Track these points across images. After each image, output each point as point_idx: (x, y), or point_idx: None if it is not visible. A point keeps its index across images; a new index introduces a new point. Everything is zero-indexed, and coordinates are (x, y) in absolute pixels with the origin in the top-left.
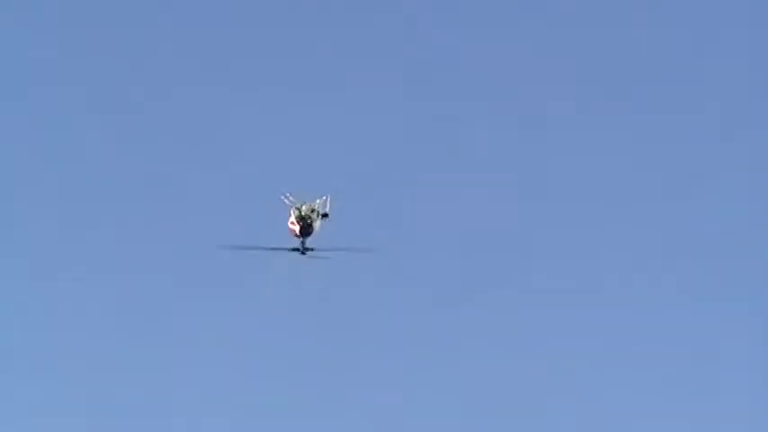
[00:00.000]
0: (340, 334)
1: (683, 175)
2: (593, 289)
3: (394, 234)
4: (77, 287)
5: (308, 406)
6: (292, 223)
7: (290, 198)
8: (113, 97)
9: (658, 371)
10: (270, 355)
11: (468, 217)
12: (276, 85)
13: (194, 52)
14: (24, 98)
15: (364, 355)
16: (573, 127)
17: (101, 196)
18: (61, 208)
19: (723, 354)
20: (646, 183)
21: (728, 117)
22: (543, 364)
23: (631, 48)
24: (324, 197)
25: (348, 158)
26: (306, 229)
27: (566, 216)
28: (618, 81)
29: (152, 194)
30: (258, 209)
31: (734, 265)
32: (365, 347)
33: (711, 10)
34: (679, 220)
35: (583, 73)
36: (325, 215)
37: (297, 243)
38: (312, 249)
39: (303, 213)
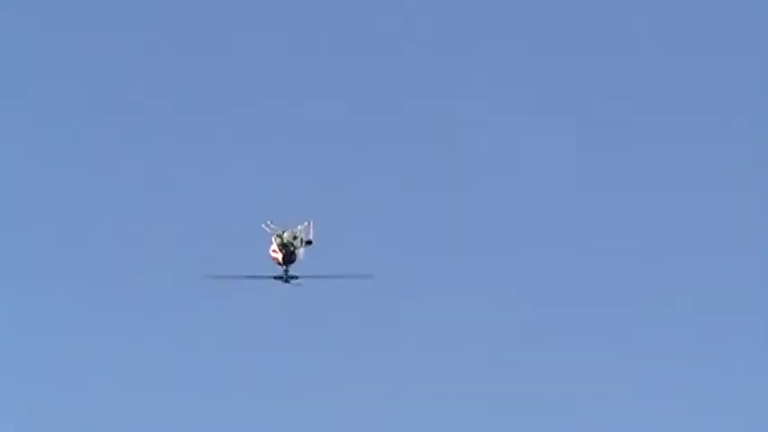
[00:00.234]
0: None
1: (682, 175)
2: (594, 289)
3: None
4: (77, 287)
5: None
6: (274, 251)
7: (272, 225)
8: (113, 97)
9: (658, 370)
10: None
11: (468, 217)
12: (276, 85)
13: (194, 52)
14: (24, 98)
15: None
16: (573, 127)
17: (101, 196)
18: (61, 208)
19: (723, 354)
20: (646, 183)
21: (728, 117)
22: (543, 369)
23: (631, 48)
24: (306, 223)
25: (348, 159)
26: (288, 257)
27: (566, 216)
28: (618, 81)
29: (152, 194)
30: (258, 209)
31: (734, 266)
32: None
33: (711, 10)
34: (679, 220)
35: (583, 73)
36: (308, 242)
37: (280, 271)
38: (296, 277)
39: (285, 241)
